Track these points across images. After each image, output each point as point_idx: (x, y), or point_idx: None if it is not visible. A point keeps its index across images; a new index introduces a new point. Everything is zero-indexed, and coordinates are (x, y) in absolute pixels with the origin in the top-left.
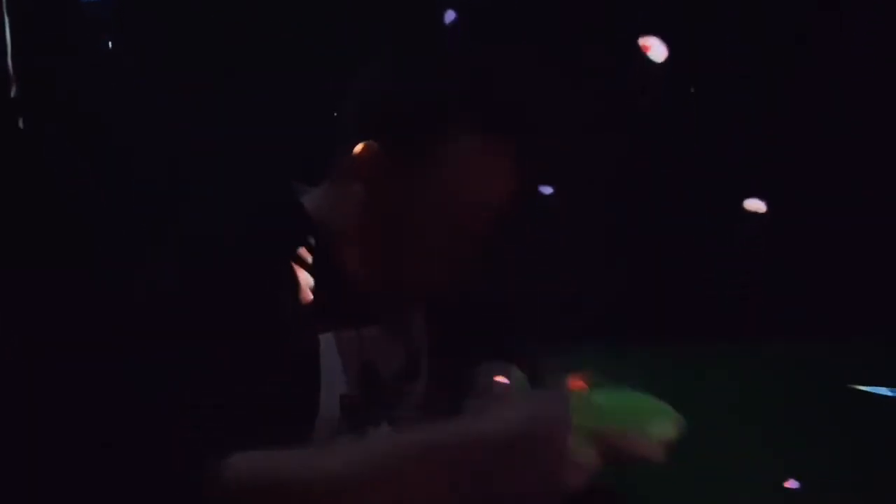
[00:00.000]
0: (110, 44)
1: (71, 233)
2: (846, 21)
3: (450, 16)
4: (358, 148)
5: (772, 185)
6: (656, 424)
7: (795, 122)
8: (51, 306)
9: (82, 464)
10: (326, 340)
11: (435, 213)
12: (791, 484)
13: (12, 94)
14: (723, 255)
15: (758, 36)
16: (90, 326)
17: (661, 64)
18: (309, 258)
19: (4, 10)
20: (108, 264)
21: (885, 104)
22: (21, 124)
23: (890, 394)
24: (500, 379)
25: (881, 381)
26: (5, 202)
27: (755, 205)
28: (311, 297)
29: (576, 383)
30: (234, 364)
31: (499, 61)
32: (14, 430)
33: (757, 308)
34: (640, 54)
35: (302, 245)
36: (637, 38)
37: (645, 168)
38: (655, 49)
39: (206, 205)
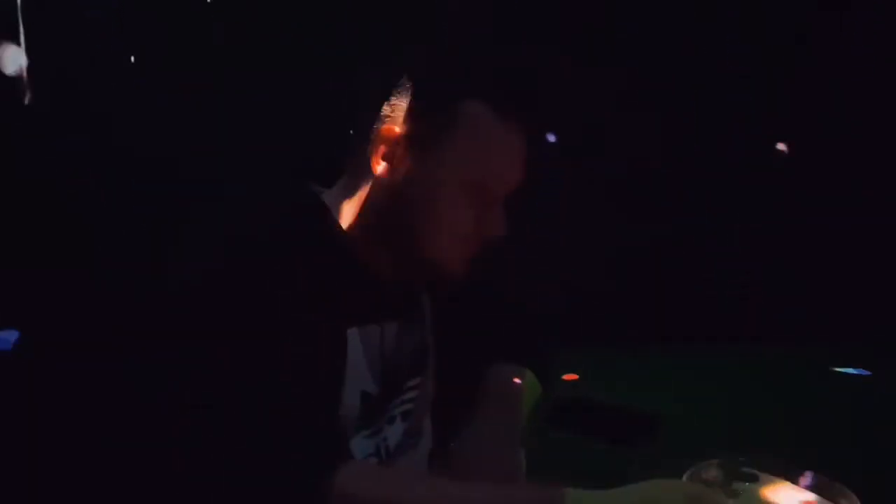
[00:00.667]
0: (132, 58)
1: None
2: (846, 21)
3: None
4: (377, 135)
5: (772, 186)
6: None
7: (795, 122)
8: (53, 306)
9: (99, 466)
10: (353, 334)
11: (451, 196)
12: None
13: (26, 98)
14: (723, 255)
15: (758, 36)
16: (104, 326)
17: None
18: (335, 255)
19: (19, 16)
20: (109, 264)
21: (886, 104)
22: (28, 125)
23: (855, 372)
24: (516, 380)
25: (882, 382)
26: (5, 202)
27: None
28: (338, 293)
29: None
30: (262, 362)
31: (509, 50)
32: (14, 430)
33: (757, 308)
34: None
35: (327, 243)
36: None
37: (647, 168)
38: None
39: (233, 207)
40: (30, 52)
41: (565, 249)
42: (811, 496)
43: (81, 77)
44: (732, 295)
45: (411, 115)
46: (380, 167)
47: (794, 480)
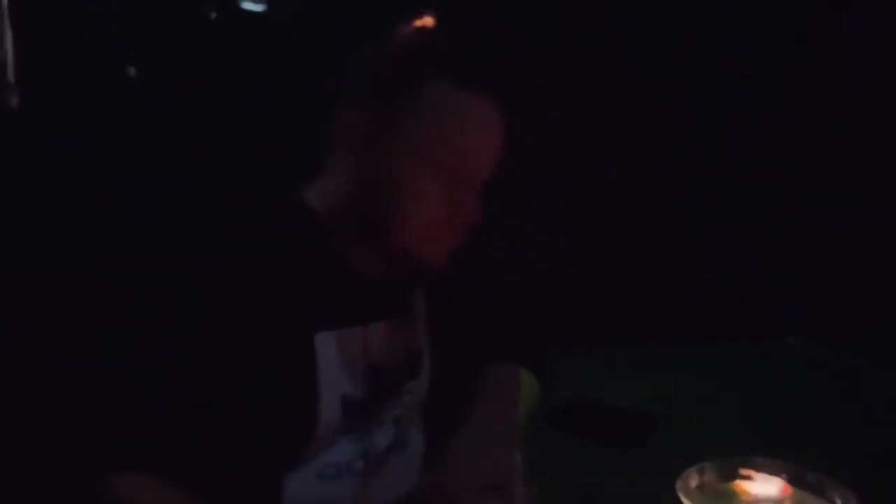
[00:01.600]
0: (133, 71)
1: (71, 233)
2: (846, 21)
3: None
4: (344, 125)
5: (772, 186)
6: None
7: (795, 122)
8: (51, 306)
9: (82, 463)
10: (325, 338)
11: (418, 177)
12: None
13: (13, 102)
14: (723, 255)
15: (758, 36)
16: (89, 326)
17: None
18: (312, 257)
19: (7, 20)
20: (108, 264)
21: (886, 104)
22: (23, 127)
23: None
24: (513, 380)
25: (882, 382)
26: (6, 203)
27: None
28: (312, 296)
29: None
30: (233, 364)
31: (472, 32)
32: (13, 430)
33: (757, 308)
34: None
35: (304, 244)
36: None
37: (647, 168)
38: None
39: (212, 206)
40: (30, 58)
41: (565, 249)
42: (789, 488)
43: (79, 77)
44: (732, 295)
45: (375, 101)
46: (349, 158)
47: (792, 479)
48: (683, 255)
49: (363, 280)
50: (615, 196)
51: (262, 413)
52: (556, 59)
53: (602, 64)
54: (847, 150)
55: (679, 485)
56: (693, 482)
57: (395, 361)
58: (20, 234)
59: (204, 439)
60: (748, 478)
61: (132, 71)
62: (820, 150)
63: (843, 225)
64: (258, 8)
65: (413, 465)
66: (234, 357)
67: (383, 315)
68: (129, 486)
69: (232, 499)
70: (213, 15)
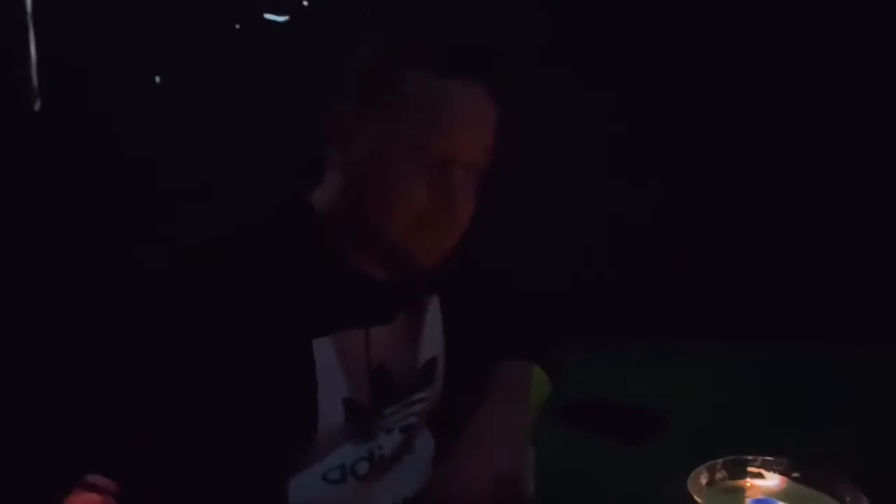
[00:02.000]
0: (157, 79)
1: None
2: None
3: None
4: (330, 121)
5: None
6: None
7: (796, 120)
8: (51, 307)
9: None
10: (323, 341)
11: (396, 164)
12: None
13: (36, 105)
14: (723, 254)
15: (758, 36)
16: (87, 328)
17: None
18: (315, 256)
19: (30, 24)
20: (108, 262)
21: (886, 103)
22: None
23: None
24: (524, 376)
25: (883, 382)
26: (8, 203)
27: None
28: (311, 296)
29: None
30: (232, 367)
31: (453, 22)
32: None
33: (760, 308)
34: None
35: (309, 243)
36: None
37: (647, 168)
38: None
39: (216, 207)
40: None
41: (575, 248)
42: (786, 480)
43: (98, 82)
44: (736, 294)
45: (360, 96)
46: (340, 156)
47: (802, 476)
48: (684, 254)
49: (364, 282)
50: (616, 197)
51: (262, 416)
52: (553, 51)
53: (600, 63)
54: (848, 149)
55: (690, 482)
56: (703, 479)
57: (404, 368)
58: (25, 232)
59: (204, 443)
60: (758, 475)
61: (157, 79)
62: (820, 149)
63: (844, 224)
64: (281, 19)
65: (420, 466)
66: (233, 360)
67: (386, 318)
68: None
69: (235, 502)
70: (237, 26)
